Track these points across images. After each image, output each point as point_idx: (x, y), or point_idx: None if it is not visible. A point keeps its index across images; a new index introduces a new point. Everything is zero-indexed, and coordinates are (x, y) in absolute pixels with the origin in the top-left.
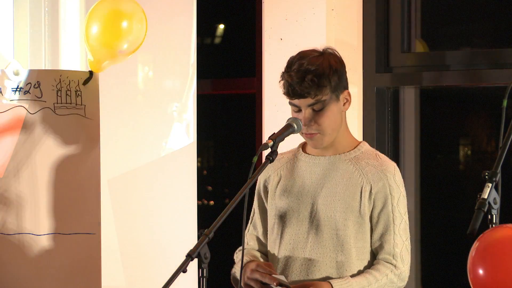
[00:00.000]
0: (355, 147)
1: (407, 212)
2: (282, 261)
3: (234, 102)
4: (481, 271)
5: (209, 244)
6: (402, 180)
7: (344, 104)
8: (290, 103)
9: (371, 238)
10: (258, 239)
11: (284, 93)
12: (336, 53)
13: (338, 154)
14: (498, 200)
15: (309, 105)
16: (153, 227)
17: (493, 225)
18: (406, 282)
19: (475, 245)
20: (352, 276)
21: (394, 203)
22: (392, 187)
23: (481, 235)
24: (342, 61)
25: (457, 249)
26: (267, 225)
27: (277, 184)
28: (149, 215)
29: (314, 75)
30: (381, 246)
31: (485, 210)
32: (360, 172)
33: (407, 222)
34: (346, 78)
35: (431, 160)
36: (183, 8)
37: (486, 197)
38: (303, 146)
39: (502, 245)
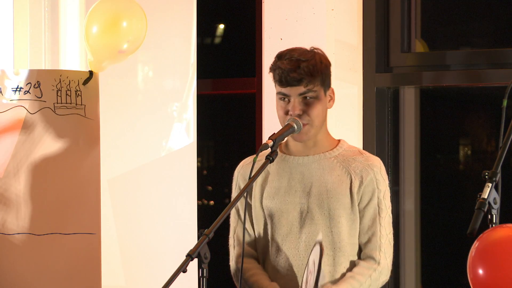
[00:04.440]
0: (336, 146)
1: (391, 207)
2: (277, 263)
3: (234, 102)
4: (481, 271)
5: (209, 244)
6: (386, 174)
7: (329, 101)
8: (279, 93)
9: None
10: (250, 241)
11: (276, 80)
12: (323, 52)
13: (322, 153)
14: (498, 200)
15: (300, 94)
16: (153, 227)
17: (493, 225)
18: (389, 275)
19: (475, 245)
20: (334, 282)
21: (380, 196)
22: (379, 181)
23: (481, 235)
24: (329, 60)
25: (457, 249)
26: (253, 225)
27: (262, 186)
28: (149, 215)
29: (307, 64)
30: (369, 240)
31: (485, 210)
32: (347, 169)
33: (391, 217)
34: (331, 77)
35: (431, 160)
36: (183, 8)
37: (486, 197)
38: (279, 147)
39: (502, 245)
